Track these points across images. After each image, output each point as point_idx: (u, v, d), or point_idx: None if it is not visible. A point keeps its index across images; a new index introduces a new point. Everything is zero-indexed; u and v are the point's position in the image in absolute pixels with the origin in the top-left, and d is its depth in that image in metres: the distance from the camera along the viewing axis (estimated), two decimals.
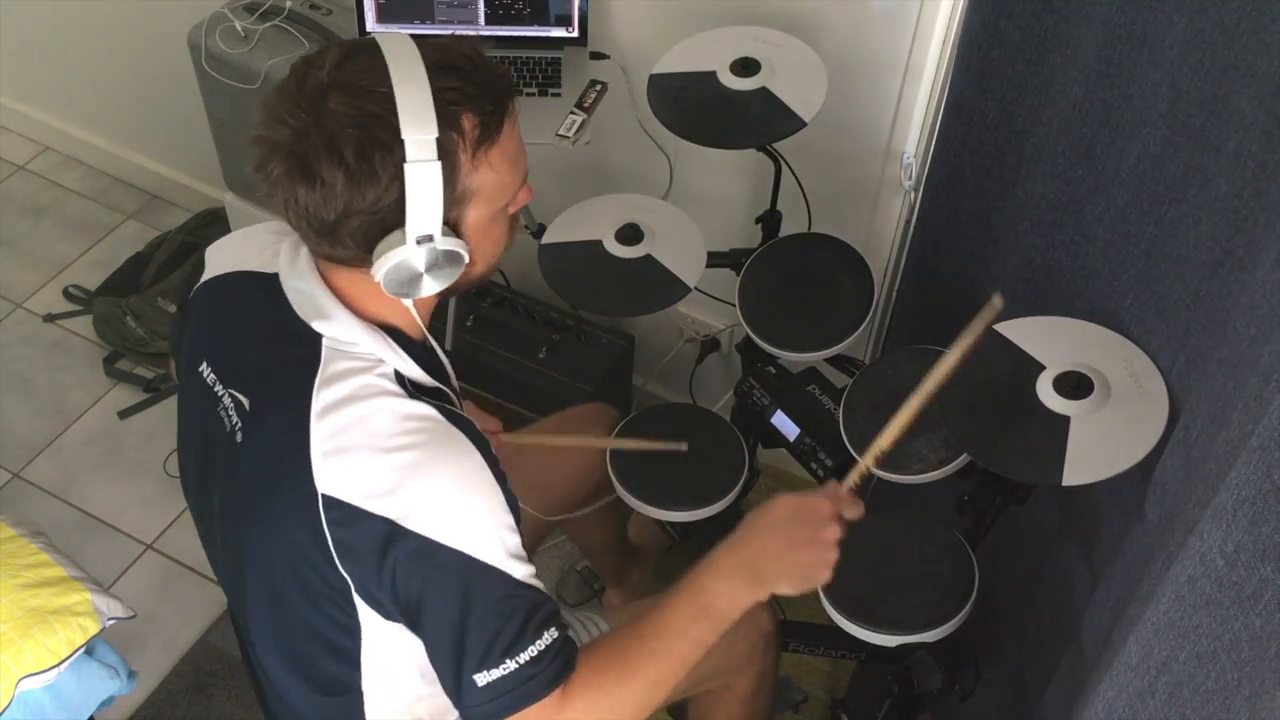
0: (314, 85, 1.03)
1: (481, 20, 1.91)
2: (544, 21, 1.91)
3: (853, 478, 1.26)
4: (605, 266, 1.68)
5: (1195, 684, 0.93)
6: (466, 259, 1.10)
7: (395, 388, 1.13)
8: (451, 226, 1.09)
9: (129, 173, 2.95)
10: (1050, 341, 1.35)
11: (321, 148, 1.02)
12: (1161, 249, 1.25)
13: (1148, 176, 1.24)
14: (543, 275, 1.69)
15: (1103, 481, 1.22)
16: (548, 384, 2.17)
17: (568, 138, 1.81)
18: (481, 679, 1.10)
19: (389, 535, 1.08)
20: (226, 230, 2.58)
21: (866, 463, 1.27)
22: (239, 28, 2.07)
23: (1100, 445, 1.24)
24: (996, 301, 1.24)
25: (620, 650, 1.19)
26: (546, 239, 1.72)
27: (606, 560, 2.12)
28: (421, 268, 1.07)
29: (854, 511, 1.23)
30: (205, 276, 1.27)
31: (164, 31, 2.28)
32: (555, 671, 1.12)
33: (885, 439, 1.25)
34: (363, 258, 1.08)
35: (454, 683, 1.12)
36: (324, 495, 1.08)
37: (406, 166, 1.02)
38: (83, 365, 2.59)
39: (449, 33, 1.90)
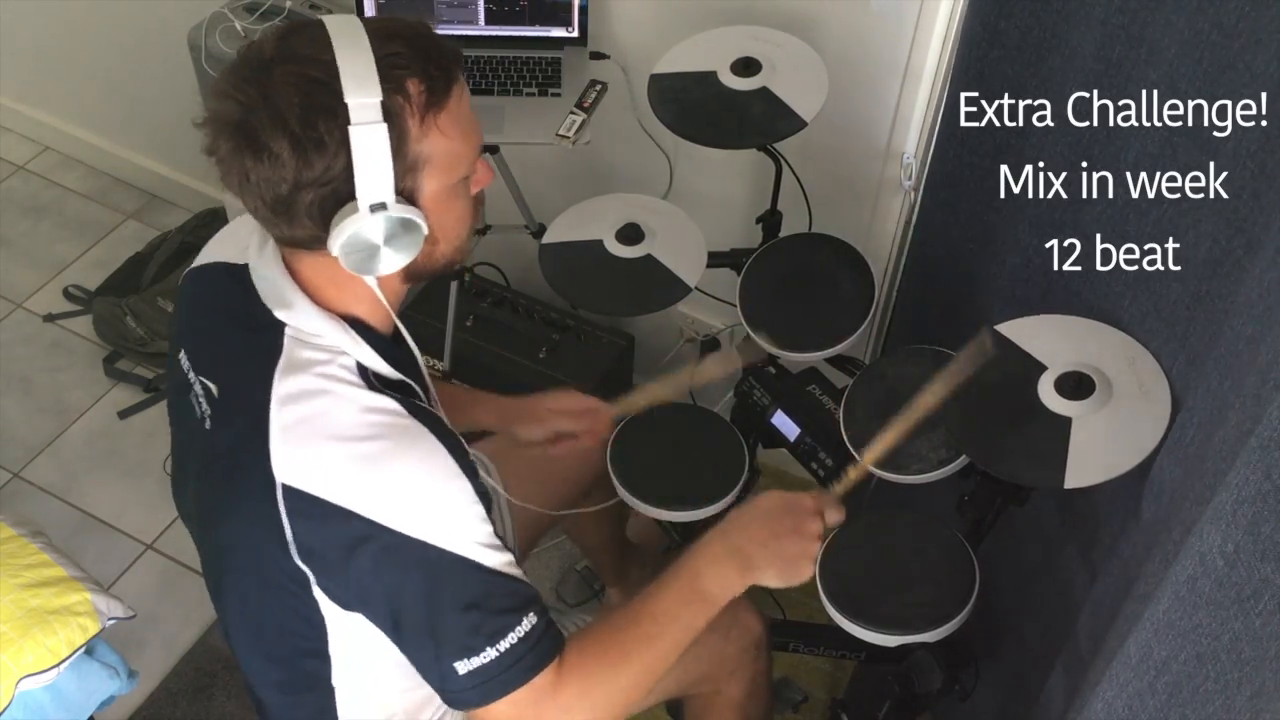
0: (258, 60, 1.03)
1: (481, 20, 1.91)
2: (544, 21, 1.91)
3: (838, 488, 1.32)
4: (605, 266, 1.68)
5: (1195, 684, 0.93)
6: (425, 229, 1.09)
7: (356, 379, 1.12)
8: (408, 198, 1.08)
9: (129, 173, 2.95)
10: (1051, 341, 1.35)
11: (266, 118, 1.01)
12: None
13: (1146, 176, 1.24)
14: (543, 275, 1.69)
15: (1104, 482, 1.22)
16: (548, 384, 2.16)
17: (568, 138, 1.81)
18: (462, 667, 1.10)
19: (353, 529, 1.07)
20: None
21: (853, 474, 1.33)
22: (239, 28, 2.07)
23: (1102, 446, 1.24)
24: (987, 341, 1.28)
25: (616, 635, 1.20)
26: (546, 239, 1.72)
27: (605, 558, 2.12)
28: (379, 239, 1.06)
29: (835, 515, 1.28)
30: (193, 264, 1.28)
31: (164, 31, 2.28)
32: (537, 658, 1.13)
33: (877, 449, 1.33)
34: (321, 237, 1.07)
35: (435, 671, 1.12)
36: (283, 485, 1.07)
37: (351, 130, 1.01)
38: (83, 365, 2.59)
39: (449, 33, 1.91)
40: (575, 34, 1.92)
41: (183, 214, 2.82)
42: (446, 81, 1.07)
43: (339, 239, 1.05)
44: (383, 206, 1.05)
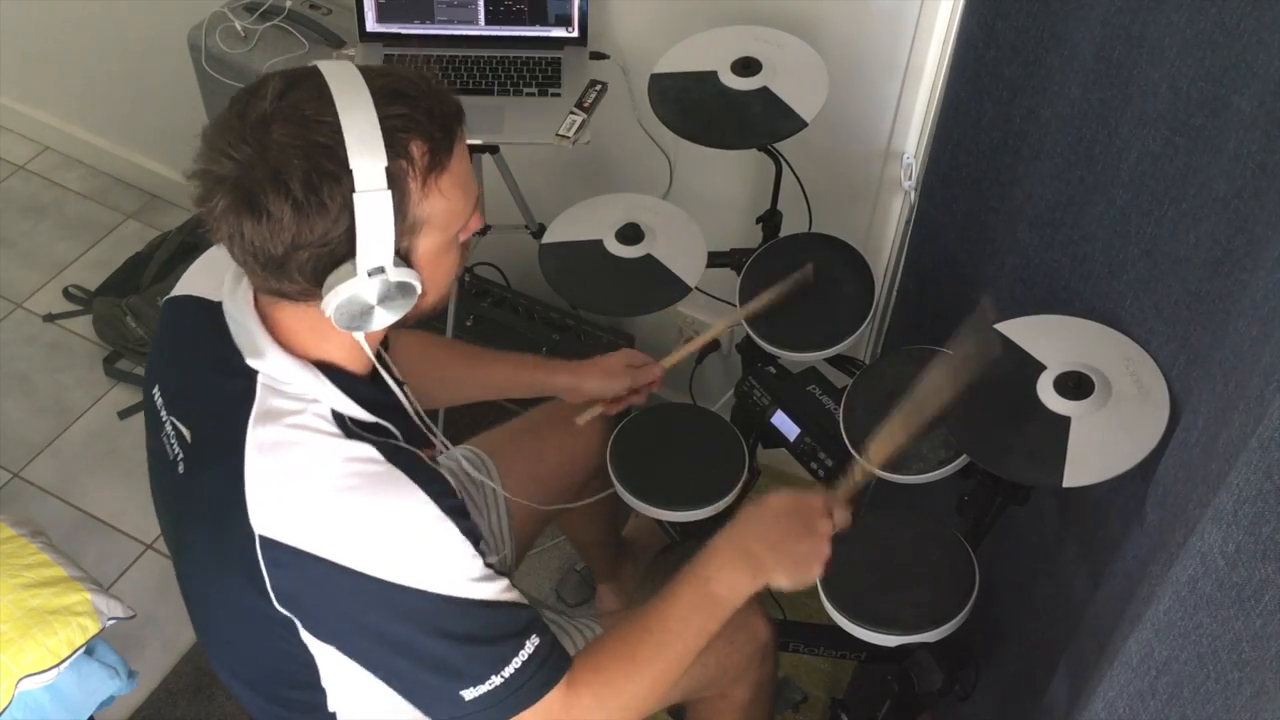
0: (257, 116, 1.00)
1: (481, 20, 1.91)
2: (544, 21, 1.91)
3: (845, 488, 1.30)
4: (605, 266, 1.68)
5: (1196, 684, 0.93)
6: (419, 290, 1.07)
7: (332, 428, 1.09)
8: (403, 257, 1.05)
9: (129, 173, 2.95)
10: (1051, 341, 1.35)
11: (267, 180, 0.98)
12: (1161, 249, 1.25)
13: (1147, 176, 1.24)
14: (543, 275, 1.69)
15: (1103, 481, 1.22)
16: None
17: (568, 138, 1.81)
18: (469, 694, 1.10)
19: (336, 579, 1.05)
20: None
21: (858, 474, 1.30)
22: (239, 28, 2.07)
23: (1101, 446, 1.24)
24: (987, 307, 1.27)
25: (627, 644, 1.20)
26: (546, 239, 1.72)
27: (597, 554, 2.13)
28: (373, 300, 1.04)
29: (842, 516, 1.26)
30: (171, 293, 1.25)
31: (164, 31, 2.28)
32: (545, 677, 1.13)
33: (879, 450, 1.30)
34: (311, 292, 1.04)
35: (442, 701, 1.11)
36: (261, 537, 1.05)
37: (355, 197, 0.99)
38: (83, 365, 2.59)
39: (449, 33, 1.91)
40: (575, 34, 1.92)
41: (183, 214, 2.82)
42: (449, 142, 1.05)
43: (334, 301, 1.03)
44: (381, 271, 1.03)
